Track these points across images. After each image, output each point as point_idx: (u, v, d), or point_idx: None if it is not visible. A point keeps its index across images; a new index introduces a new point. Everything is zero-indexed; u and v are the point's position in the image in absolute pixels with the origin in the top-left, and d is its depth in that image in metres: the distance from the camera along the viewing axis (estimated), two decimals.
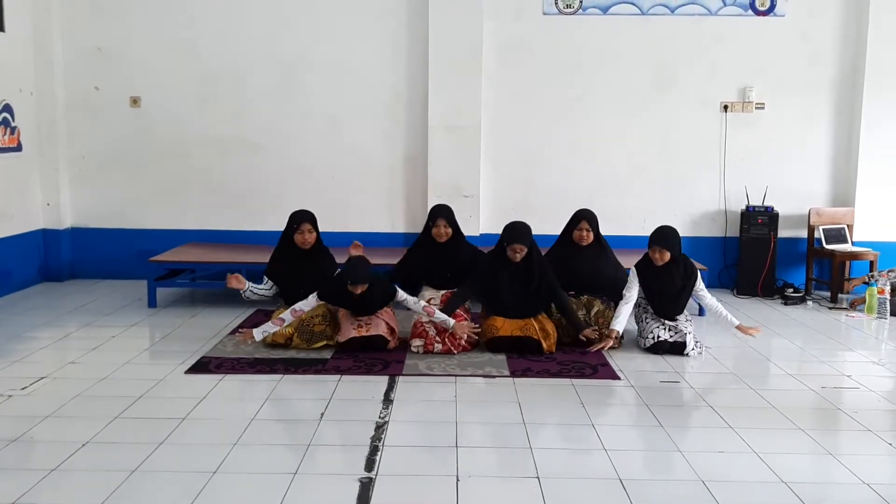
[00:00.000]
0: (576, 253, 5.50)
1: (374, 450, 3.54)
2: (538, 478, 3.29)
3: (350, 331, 5.06)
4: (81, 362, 4.84)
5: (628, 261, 5.56)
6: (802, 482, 3.30)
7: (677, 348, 5.14)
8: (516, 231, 5.22)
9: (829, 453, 3.63)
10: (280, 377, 4.58)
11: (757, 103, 7.21)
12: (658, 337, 5.16)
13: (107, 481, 3.19)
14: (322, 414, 4.00)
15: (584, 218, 5.51)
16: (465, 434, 3.77)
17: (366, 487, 3.17)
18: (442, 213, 5.56)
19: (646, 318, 5.34)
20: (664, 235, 5.22)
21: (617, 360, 5.04)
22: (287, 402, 4.27)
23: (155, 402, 4.15)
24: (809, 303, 6.83)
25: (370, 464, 3.40)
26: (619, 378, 4.69)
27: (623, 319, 5.20)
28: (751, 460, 3.52)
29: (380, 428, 3.81)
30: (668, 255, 5.19)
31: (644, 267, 5.31)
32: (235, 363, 4.82)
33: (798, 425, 3.95)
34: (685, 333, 5.15)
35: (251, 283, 5.41)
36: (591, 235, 5.49)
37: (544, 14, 7.14)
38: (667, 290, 5.23)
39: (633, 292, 5.26)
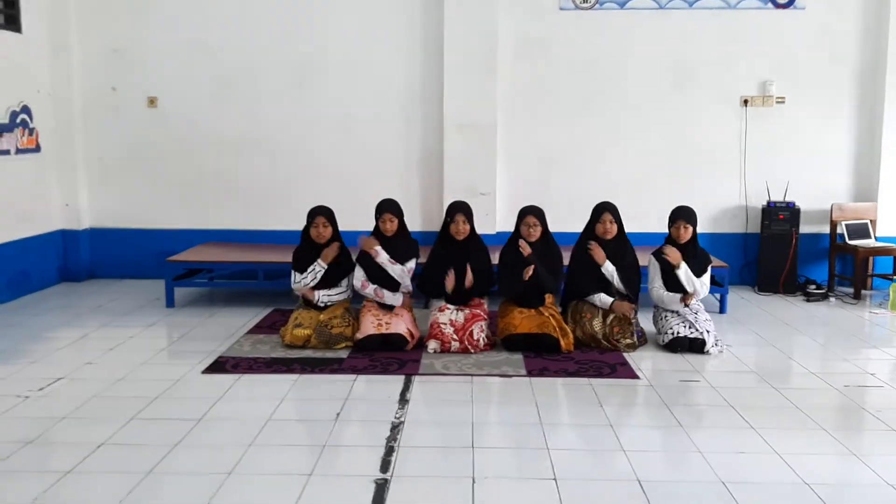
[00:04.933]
0: (602, 246, 5.30)
1: (389, 450, 3.53)
2: (555, 479, 3.26)
3: (370, 328, 5.06)
4: (99, 363, 4.86)
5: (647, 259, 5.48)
6: (825, 483, 3.24)
7: (697, 346, 5.09)
8: (527, 209, 5.35)
9: (853, 454, 3.56)
10: (296, 377, 4.58)
11: (777, 97, 7.11)
12: (677, 333, 5.11)
13: (123, 482, 3.20)
14: (338, 414, 3.99)
15: (606, 210, 5.35)
16: (481, 434, 3.74)
17: (381, 488, 3.16)
18: (460, 208, 5.38)
19: (664, 315, 5.30)
20: (686, 211, 5.34)
21: (636, 359, 4.99)
22: (303, 402, 4.25)
23: (171, 403, 4.16)
24: (832, 299, 6.73)
25: (385, 465, 3.38)
26: (637, 377, 4.64)
27: (668, 297, 5.25)
28: (772, 461, 3.47)
29: (395, 428, 3.79)
30: (690, 231, 5.27)
31: (662, 252, 5.31)
32: (252, 363, 4.82)
33: (821, 425, 3.89)
34: (704, 330, 5.09)
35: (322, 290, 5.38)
36: (616, 228, 5.32)
37: (561, 9, 7.08)
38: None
39: (657, 282, 5.29)
